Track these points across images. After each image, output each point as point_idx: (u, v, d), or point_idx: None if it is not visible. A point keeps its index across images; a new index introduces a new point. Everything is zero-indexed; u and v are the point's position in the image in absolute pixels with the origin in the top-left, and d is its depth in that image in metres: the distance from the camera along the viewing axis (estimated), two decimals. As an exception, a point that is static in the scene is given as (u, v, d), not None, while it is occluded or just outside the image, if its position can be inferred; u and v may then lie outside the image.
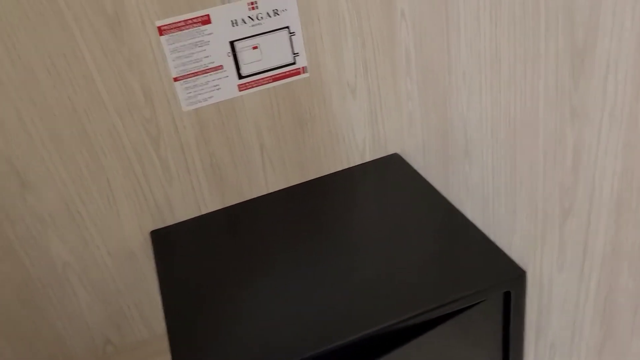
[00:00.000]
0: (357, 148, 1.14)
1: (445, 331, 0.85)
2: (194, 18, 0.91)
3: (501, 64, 0.72)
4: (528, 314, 0.87)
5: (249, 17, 0.94)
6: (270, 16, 0.95)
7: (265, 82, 1.00)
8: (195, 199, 1.06)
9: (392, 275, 0.87)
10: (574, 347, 0.78)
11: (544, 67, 0.65)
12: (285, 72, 1.00)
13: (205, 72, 0.95)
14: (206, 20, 0.92)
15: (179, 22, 0.90)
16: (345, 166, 1.15)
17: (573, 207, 0.67)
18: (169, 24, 0.90)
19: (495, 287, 0.84)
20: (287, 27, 0.97)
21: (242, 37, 0.95)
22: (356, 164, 1.16)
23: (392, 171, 1.12)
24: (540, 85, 0.66)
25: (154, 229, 1.06)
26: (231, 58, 0.96)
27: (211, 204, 1.08)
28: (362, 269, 0.89)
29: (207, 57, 0.94)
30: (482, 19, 0.73)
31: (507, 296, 0.86)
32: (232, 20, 0.93)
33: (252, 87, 1.00)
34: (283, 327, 0.82)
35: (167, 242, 1.03)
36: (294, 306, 0.85)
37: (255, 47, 0.96)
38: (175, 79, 0.94)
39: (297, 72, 1.01)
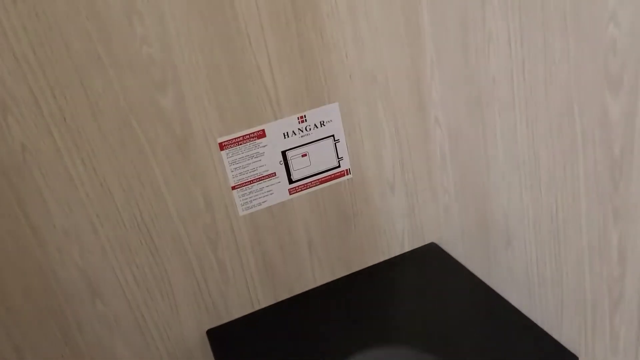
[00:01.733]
0: (397, 239, 1.21)
1: (503, 418, 0.88)
2: (251, 133, 1.01)
3: (540, 169, 0.81)
4: (584, 398, 0.90)
5: (299, 129, 1.04)
6: (317, 127, 1.05)
7: (313, 185, 1.09)
8: (249, 296, 1.12)
9: (448, 364, 0.91)
10: None
11: (582, 172, 0.73)
12: (331, 175, 1.09)
13: (260, 179, 1.04)
14: (261, 135, 1.02)
15: (238, 137, 1.00)
16: (387, 257, 1.22)
17: (623, 297, 0.74)
18: (229, 140, 1.00)
19: (550, 373, 0.87)
20: (332, 136, 1.07)
21: (292, 146, 1.05)
22: (396, 255, 1.22)
23: (431, 260, 1.19)
24: (580, 187, 0.74)
25: (210, 326, 1.11)
26: (283, 165, 1.05)
27: (263, 300, 1.14)
28: (419, 360, 0.93)
29: (262, 166, 1.04)
30: (519, 129, 0.83)
31: (561, 381, 0.90)
32: (284, 133, 1.03)
33: (302, 190, 1.08)
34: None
35: (223, 340, 1.08)
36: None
37: (304, 155, 1.06)
38: (233, 187, 1.03)
39: (341, 174, 1.10)
